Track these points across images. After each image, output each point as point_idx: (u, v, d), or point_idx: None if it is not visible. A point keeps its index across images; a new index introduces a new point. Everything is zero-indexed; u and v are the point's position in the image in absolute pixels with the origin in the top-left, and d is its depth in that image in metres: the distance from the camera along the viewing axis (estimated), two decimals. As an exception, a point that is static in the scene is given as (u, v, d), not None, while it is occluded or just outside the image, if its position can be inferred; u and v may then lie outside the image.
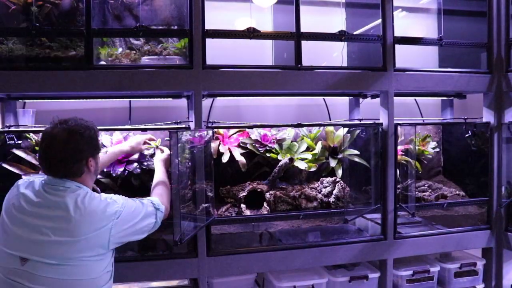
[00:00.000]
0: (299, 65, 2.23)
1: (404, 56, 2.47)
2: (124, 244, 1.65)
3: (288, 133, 2.68)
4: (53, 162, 1.54)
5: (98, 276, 1.54)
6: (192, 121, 2.16)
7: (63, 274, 1.45)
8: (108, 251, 1.59)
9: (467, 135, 2.76)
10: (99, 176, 2.30)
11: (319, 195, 2.45)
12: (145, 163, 2.31)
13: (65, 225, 1.47)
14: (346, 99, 2.90)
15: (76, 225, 1.48)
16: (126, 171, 2.26)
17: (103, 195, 1.62)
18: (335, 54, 2.83)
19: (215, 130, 2.47)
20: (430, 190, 2.78)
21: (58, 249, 1.46)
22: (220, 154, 2.45)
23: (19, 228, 1.48)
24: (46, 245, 1.45)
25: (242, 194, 2.37)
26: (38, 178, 1.63)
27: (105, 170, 2.26)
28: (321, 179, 2.56)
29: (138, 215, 1.67)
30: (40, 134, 1.61)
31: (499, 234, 2.63)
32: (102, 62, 2.14)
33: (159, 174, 2.03)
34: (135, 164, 2.28)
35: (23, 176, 2.14)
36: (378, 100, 2.49)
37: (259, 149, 2.56)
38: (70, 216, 1.48)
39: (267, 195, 2.37)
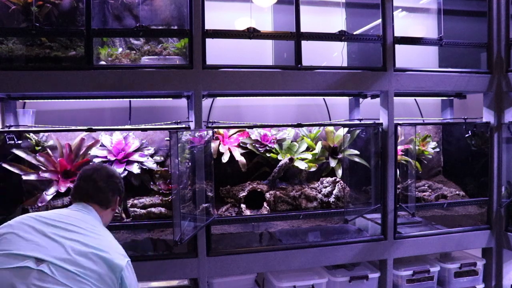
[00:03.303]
0: (299, 65, 2.23)
1: (404, 56, 2.47)
2: None
3: (288, 133, 2.68)
4: (93, 184, 1.58)
5: None
6: (192, 121, 2.16)
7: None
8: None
9: (467, 135, 2.76)
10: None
11: (319, 195, 2.45)
12: (145, 163, 2.31)
13: (93, 236, 1.41)
14: (346, 99, 2.90)
15: (103, 241, 1.41)
16: (126, 171, 2.25)
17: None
18: (335, 54, 2.83)
19: (215, 130, 2.47)
20: (430, 190, 2.78)
21: (81, 258, 1.34)
22: (220, 154, 2.45)
23: (36, 233, 1.38)
24: (65, 249, 1.35)
25: (242, 194, 2.37)
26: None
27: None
28: (321, 179, 2.56)
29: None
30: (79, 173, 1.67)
31: (499, 234, 2.63)
32: (102, 62, 2.14)
33: None
34: (135, 164, 2.28)
35: (23, 177, 2.14)
36: (378, 100, 2.49)
37: (259, 149, 2.56)
38: (96, 230, 1.45)
39: (267, 195, 2.38)
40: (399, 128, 2.47)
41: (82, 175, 1.63)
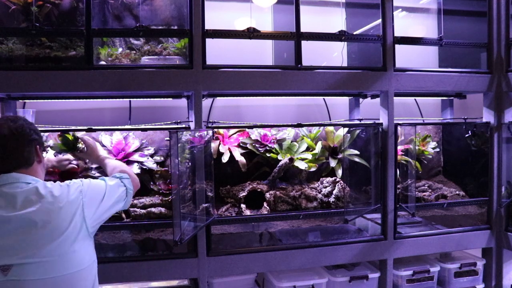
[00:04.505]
0: (299, 65, 2.23)
1: (404, 56, 2.47)
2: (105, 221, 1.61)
3: (288, 133, 2.68)
4: (4, 153, 1.44)
5: (87, 266, 1.47)
6: (192, 121, 2.16)
7: (52, 271, 1.36)
8: (90, 235, 1.52)
9: (467, 135, 2.76)
10: (98, 175, 2.30)
11: (319, 195, 2.45)
12: (145, 163, 2.32)
13: (38, 221, 1.37)
14: (346, 99, 2.90)
15: (51, 217, 1.39)
16: (126, 171, 2.25)
17: (59, 182, 1.52)
18: (335, 54, 2.83)
19: (215, 130, 2.47)
20: (430, 190, 2.78)
21: (42, 247, 1.36)
22: (220, 154, 2.45)
23: None
24: (26, 245, 1.35)
25: (242, 194, 2.37)
26: None
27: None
28: (321, 179, 2.56)
29: (103, 187, 1.61)
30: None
31: (499, 234, 2.63)
32: (102, 62, 2.14)
33: (105, 161, 1.95)
34: (135, 164, 2.28)
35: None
36: (378, 100, 2.49)
37: (259, 149, 2.56)
38: (38, 209, 1.38)
39: (267, 195, 2.38)
40: (399, 128, 2.47)
41: None
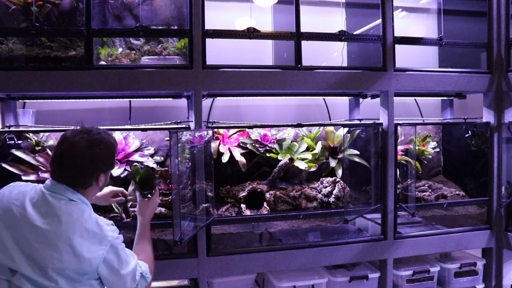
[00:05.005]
0: (299, 65, 2.23)
1: (404, 56, 2.47)
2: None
3: (288, 133, 2.68)
4: (65, 169, 1.44)
5: None
6: (192, 121, 2.16)
7: None
8: (97, 281, 1.44)
9: (467, 135, 2.76)
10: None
11: (319, 195, 2.45)
12: (145, 163, 2.31)
13: (62, 238, 1.35)
14: (346, 99, 2.90)
15: (73, 241, 1.36)
16: (126, 171, 2.25)
17: (101, 219, 1.46)
18: (335, 54, 2.83)
19: (215, 130, 2.47)
20: (430, 190, 2.78)
21: (48, 268, 1.33)
22: (220, 154, 2.45)
23: (13, 235, 1.35)
24: (36, 258, 1.33)
25: (242, 194, 2.37)
26: (35, 185, 1.49)
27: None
28: (321, 179, 2.56)
29: (127, 262, 1.47)
30: (59, 137, 1.48)
31: (499, 234, 2.63)
32: (102, 62, 2.14)
33: (144, 230, 1.75)
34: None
35: (22, 177, 2.14)
36: (378, 100, 2.49)
37: (259, 149, 2.56)
38: (67, 229, 1.36)
39: (267, 195, 2.38)
40: (399, 128, 2.47)
41: (62, 148, 1.44)
